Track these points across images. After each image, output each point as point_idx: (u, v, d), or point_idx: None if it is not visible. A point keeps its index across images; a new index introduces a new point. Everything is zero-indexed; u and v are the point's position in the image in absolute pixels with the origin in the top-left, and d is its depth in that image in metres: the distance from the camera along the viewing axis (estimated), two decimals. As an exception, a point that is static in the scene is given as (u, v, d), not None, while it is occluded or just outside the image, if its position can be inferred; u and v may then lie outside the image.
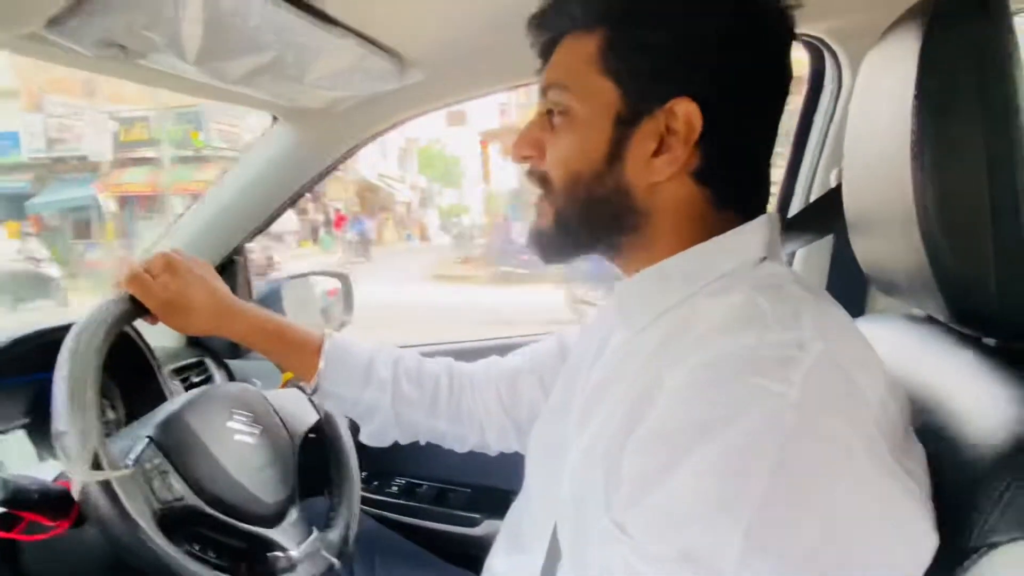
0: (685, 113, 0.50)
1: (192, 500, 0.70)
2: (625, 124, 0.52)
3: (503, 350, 0.85)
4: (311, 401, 0.92)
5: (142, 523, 0.62)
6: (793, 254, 1.07)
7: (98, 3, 0.61)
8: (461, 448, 0.84)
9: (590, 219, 0.56)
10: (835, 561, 0.38)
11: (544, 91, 0.56)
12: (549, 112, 0.56)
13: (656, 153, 0.52)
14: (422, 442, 0.84)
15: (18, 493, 0.64)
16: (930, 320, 0.60)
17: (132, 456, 0.69)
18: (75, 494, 0.62)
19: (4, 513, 0.70)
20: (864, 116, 0.56)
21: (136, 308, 0.72)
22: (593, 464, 0.51)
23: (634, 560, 0.41)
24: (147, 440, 0.71)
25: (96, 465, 0.61)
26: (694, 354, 0.45)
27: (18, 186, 14.84)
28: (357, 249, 16.65)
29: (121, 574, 0.75)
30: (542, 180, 0.57)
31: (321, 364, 0.77)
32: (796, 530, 0.38)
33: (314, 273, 1.51)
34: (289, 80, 0.86)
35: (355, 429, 0.86)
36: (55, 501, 0.66)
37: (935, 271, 0.47)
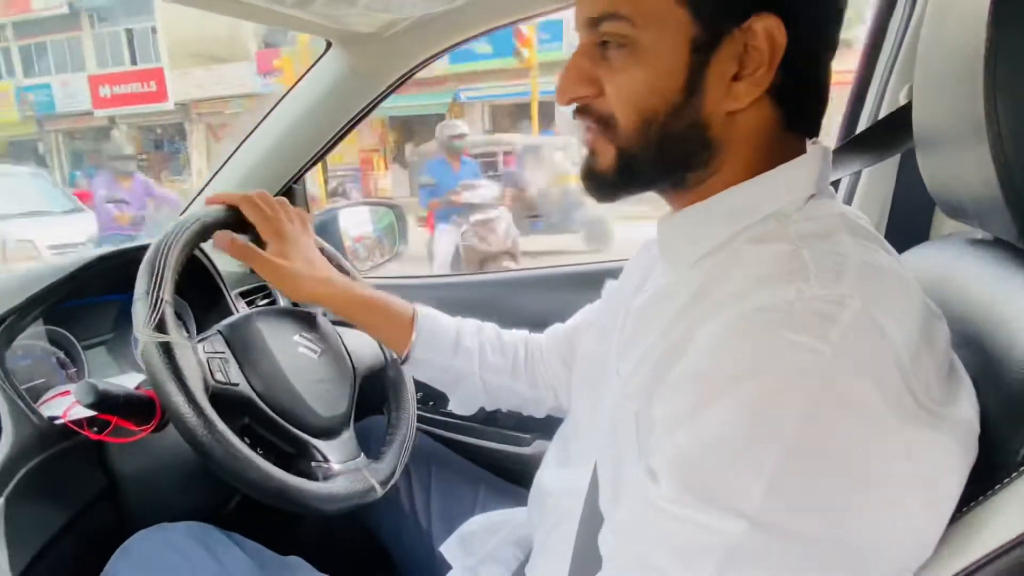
0: (767, 30, 0.46)
1: (246, 390, 0.74)
2: (702, 50, 0.48)
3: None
4: (380, 347, 0.96)
5: (194, 389, 0.66)
6: (859, 174, 1.03)
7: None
8: (539, 413, 0.88)
9: (662, 158, 0.51)
10: (856, 513, 0.38)
11: (596, 22, 0.50)
12: (603, 43, 0.51)
13: (737, 77, 0.48)
14: (504, 409, 0.88)
15: (106, 398, 0.69)
16: (997, 243, 0.58)
17: (198, 339, 0.73)
18: (137, 356, 0.67)
19: (93, 417, 0.77)
20: (938, 28, 0.53)
21: (233, 218, 0.78)
22: (628, 400, 0.52)
23: (658, 500, 0.41)
24: (216, 332, 0.75)
25: (160, 329, 0.66)
26: (729, 308, 0.44)
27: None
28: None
29: (198, 474, 0.81)
30: (603, 121, 0.52)
31: (414, 336, 0.81)
32: (819, 482, 0.38)
33: (367, 203, 1.54)
34: (343, 3, 0.85)
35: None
36: (139, 407, 0.72)
37: (1004, 188, 0.45)
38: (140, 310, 0.66)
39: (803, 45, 0.48)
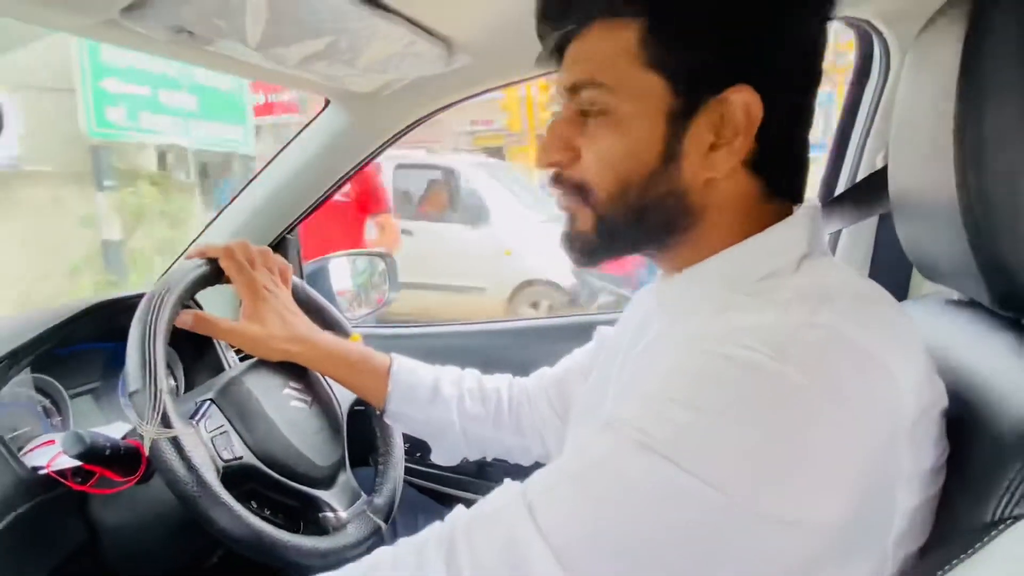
0: (744, 102, 0.48)
1: (250, 459, 0.74)
2: (679, 119, 0.49)
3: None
4: None
5: (208, 478, 0.66)
6: (838, 235, 1.06)
7: (170, -9, 0.65)
8: (527, 460, 0.86)
9: (641, 224, 0.52)
10: (753, 495, 0.39)
11: (573, 90, 0.51)
12: (581, 111, 0.52)
13: (714, 146, 0.49)
14: (489, 458, 0.87)
15: (93, 448, 0.68)
16: (972, 304, 0.60)
17: (196, 417, 0.73)
18: (145, 450, 0.67)
19: (77, 467, 0.76)
20: (911, 99, 0.56)
21: (213, 273, 0.78)
22: None
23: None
24: (209, 402, 0.75)
25: (165, 423, 0.66)
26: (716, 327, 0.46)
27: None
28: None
29: (182, 527, 0.80)
30: (578, 188, 0.53)
31: (389, 387, 0.81)
32: (725, 443, 0.40)
33: (357, 253, 1.56)
34: (342, 64, 0.89)
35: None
36: (125, 458, 0.71)
37: (976, 253, 0.47)
38: (141, 404, 0.66)
39: (779, 117, 0.50)
